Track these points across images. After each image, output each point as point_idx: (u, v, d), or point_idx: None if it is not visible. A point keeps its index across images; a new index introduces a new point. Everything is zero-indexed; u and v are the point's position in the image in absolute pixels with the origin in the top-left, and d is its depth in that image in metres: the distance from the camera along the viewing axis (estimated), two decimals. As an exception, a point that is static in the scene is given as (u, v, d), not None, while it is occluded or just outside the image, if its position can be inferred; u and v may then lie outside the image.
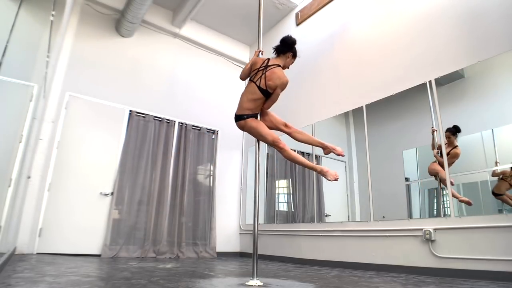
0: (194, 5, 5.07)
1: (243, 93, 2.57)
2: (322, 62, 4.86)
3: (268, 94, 2.50)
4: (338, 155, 2.66)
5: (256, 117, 2.55)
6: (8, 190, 2.40)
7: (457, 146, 3.14)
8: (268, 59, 2.59)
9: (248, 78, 2.64)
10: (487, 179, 2.93)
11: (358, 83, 4.21)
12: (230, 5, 5.49)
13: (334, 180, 2.41)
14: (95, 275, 2.46)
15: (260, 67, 2.54)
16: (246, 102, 2.50)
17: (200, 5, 5.11)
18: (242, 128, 2.54)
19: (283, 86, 2.51)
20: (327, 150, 2.69)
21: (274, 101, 2.57)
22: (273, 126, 2.67)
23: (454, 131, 3.15)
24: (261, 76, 2.49)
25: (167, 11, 5.56)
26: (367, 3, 4.38)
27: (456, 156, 3.12)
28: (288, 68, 2.68)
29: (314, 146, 2.69)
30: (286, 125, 2.70)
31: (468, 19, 3.22)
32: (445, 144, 3.16)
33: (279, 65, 2.56)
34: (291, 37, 2.66)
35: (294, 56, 2.66)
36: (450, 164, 3.11)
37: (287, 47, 2.61)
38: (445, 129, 3.19)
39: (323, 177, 2.53)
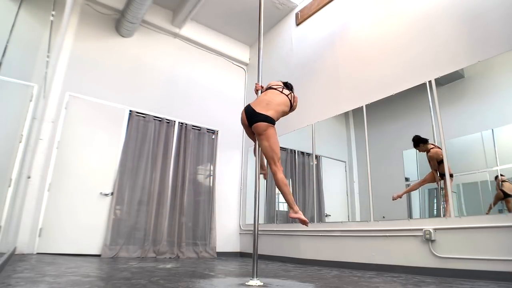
0: (194, 5, 5.07)
1: (279, 101, 2.58)
2: (322, 62, 4.86)
3: (286, 112, 2.68)
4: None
5: None
6: (8, 190, 2.40)
7: (430, 149, 3.31)
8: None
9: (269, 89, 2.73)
10: (487, 179, 2.93)
11: (358, 83, 4.21)
12: (230, 5, 5.49)
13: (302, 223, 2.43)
14: (95, 275, 2.46)
15: (284, 87, 2.72)
16: (280, 111, 2.57)
17: (200, 5, 5.11)
18: (262, 130, 2.44)
19: (293, 110, 2.77)
20: (262, 171, 2.77)
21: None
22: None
23: (414, 144, 3.43)
24: (291, 95, 2.70)
25: (167, 11, 5.57)
26: (367, 3, 4.38)
27: (432, 158, 3.30)
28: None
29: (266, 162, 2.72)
30: None
31: (468, 19, 3.22)
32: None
33: None
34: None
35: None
36: (434, 165, 3.29)
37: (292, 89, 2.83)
38: (444, 129, 3.19)
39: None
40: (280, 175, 2.42)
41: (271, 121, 2.45)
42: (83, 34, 4.74)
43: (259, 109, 2.46)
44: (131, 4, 4.53)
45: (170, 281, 2.22)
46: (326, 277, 2.79)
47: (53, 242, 3.95)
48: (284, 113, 2.66)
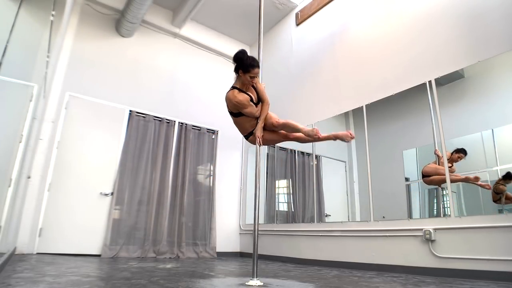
0: (194, 5, 5.07)
1: None
2: (322, 62, 4.86)
3: (240, 113, 2.48)
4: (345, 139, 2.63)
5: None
6: (8, 190, 2.40)
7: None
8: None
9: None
10: (487, 179, 2.93)
11: (358, 83, 4.21)
12: (230, 5, 5.49)
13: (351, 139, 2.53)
14: (95, 275, 2.46)
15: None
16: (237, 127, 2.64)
17: (200, 5, 5.11)
18: (252, 142, 2.62)
19: (233, 106, 2.42)
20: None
21: (249, 116, 2.50)
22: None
23: (465, 153, 3.15)
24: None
25: (167, 11, 5.56)
26: (367, 3, 4.38)
27: (453, 171, 3.16)
28: (252, 84, 2.43)
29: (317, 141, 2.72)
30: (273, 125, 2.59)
31: (468, 19, 3.22)
32: (457, 156, 3.18)
33: (234, 87, 2.44)
34: (237, 52, 2.38)
35: (245, 70, 2.33)
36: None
37: (236, 65, 2.38)
38: (444, 129, 3.19)
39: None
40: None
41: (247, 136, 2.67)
42: (83, 34, 4.74)
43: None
44: (131, 4, 4.53)
45: (170, 281, 2.22)
46: (326, 277, 2.79)
47: (53, 242, 3.95)
48: (237, 123, 2.58)
